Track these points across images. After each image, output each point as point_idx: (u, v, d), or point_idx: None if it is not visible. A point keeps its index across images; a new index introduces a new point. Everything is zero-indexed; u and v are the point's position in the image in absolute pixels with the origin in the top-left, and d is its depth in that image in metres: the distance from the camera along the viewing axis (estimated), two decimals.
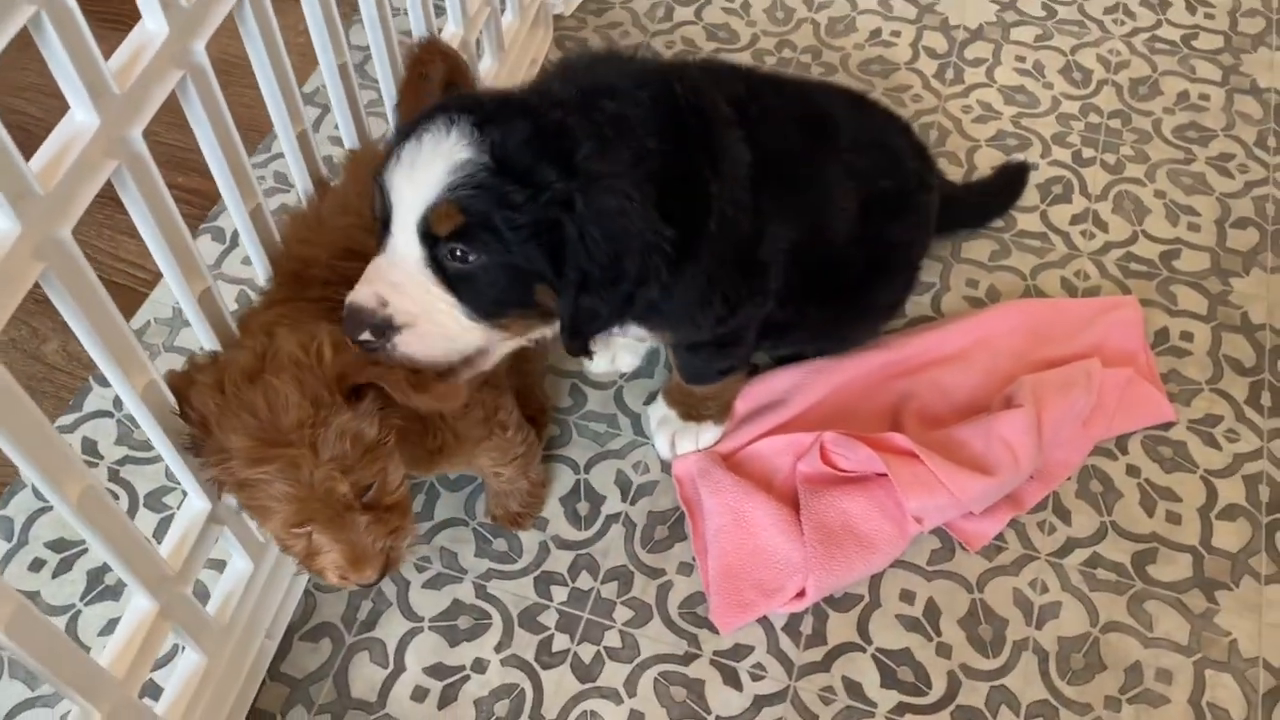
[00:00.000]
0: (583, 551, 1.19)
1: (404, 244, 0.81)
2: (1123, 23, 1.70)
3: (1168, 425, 1.28)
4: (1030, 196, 1.48)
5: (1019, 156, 1.52)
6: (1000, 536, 1.20)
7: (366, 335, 0.81)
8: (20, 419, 0.69)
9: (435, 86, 1.06)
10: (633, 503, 1.23)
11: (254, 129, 1.56)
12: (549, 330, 0.91)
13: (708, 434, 1.24)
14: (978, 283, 1.40)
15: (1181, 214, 1.47)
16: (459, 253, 0.81)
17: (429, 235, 0.81)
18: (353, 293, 0.82)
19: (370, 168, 1.00)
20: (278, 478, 0.81)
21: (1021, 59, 1.66)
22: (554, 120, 0.83)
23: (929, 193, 1.24)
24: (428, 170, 0.78)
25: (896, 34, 1.69)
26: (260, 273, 1.01)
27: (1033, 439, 1.18)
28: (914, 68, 1.64)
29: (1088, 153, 1.53)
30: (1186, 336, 1.35)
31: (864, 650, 1.13)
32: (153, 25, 0.75)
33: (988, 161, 1.53)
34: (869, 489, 1.18)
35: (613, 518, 1.22)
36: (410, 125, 0.82)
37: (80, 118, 0.70)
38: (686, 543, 1.20)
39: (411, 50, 1.09)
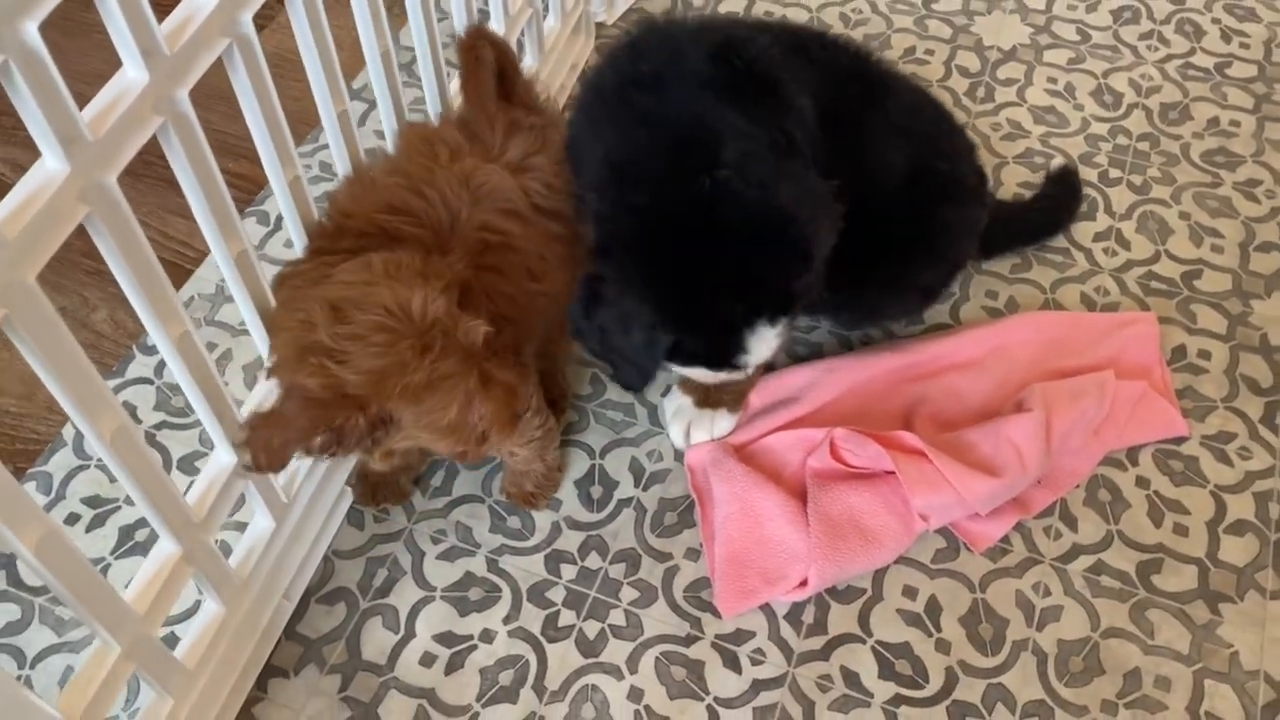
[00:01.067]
0: (593, 533, 1.23)
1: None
2: (1156, 49, 1.72)
3: (1180, 440, 1.29)
4: None
5: (1059, 161, 1.55)
6: (1005, 539, 1.21)
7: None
8: (59, 351, 0.73)
9: (490, 70, 1.13)
10: (645, 489, 1.26)
11: (302, 121, 1.62)
12: None
13: (722, 424, 1.27)
14: (997, 294, 1.42)
15: (1205, 235, 1.48)
16: None
17: None
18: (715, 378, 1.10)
19: (422, 138, 1.07)
20: (444, 358, 0.87)
21: (1053, 80, 1.68)
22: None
23: (983, 201, 1.29)
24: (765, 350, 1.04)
25: (930, 52, 1.72)
26: (299, 247, 1.06)
27: (1041, 444, 1.19)
28: (946, 85, 1.67)
29: (1114, 173, 1.55)
30: (1204, 354, 1.36)
31: (864, 642, 1.15)
32: None
33: (1013, 178, 1.55)
34: (876, 485, 1.20)
35: (624, 502, 1.25)
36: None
37: (131, 74, 0.75)
38: (695, 529, 1.23)
39: (460, 39, 1.15)
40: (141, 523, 1.24)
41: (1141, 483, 1.25)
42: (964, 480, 1.16)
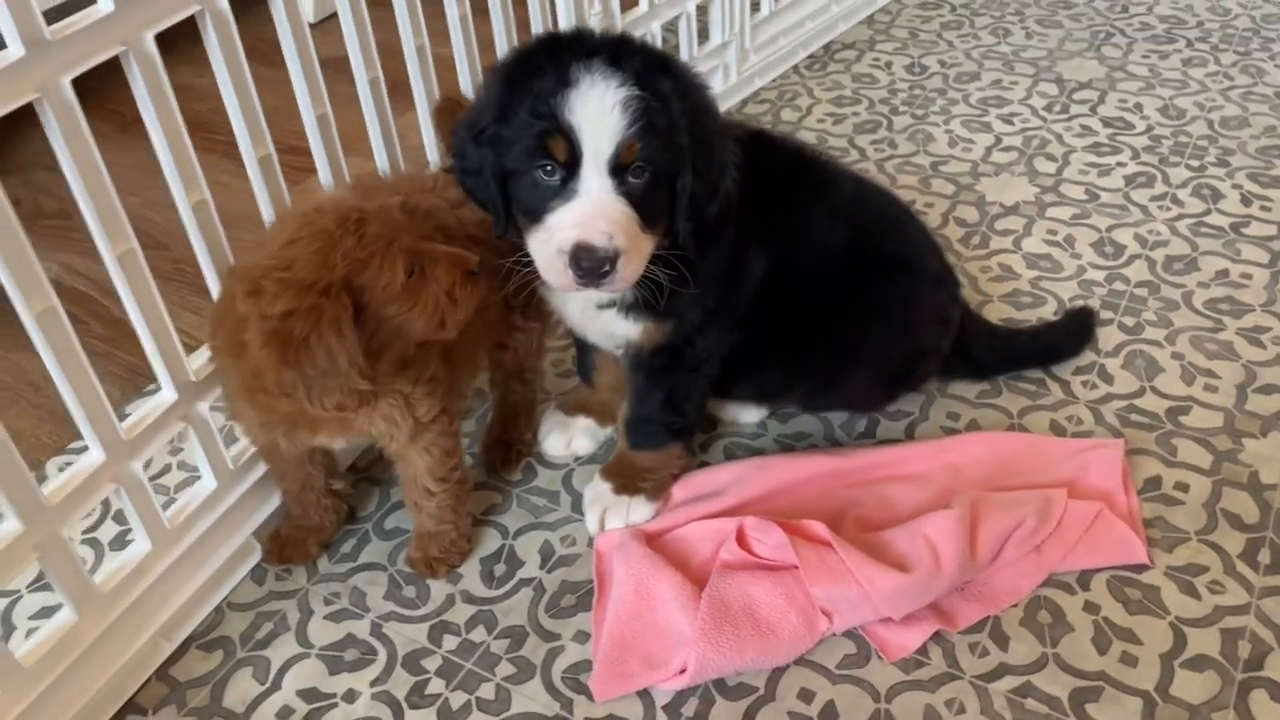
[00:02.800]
0: (486, 608, 1.17)
1: (599, 183, 0.94)
2: (1168, 209, 1.68)
3: (1141, 568, 1.16)
4: None
5: (1081, 303, 1.50)
6: (924, 651, 1.09)
7: (605, 267, 0.94)
8: None
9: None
10: (550, 570, 1.21)
11: None
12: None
13: (638, 511, 1.22)
14: (959, 416, 1.35)
15: (1199, 375, 1.38)
16: (634, 176, 0.96)
17: (617, 169, 0.95)
18: (578, 233, 0.94)
19: (369, 180, 1.20)
20: (364, 226, 0.95)
21: (1053, 233, 1.65)
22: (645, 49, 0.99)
23: (948, 289, 1.30)
24: (610, 115, 0.92)
25: (930, 205, 1.73)
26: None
27: (960, 543, 1.10)
28: (941, 233, 1.66)
29: (1106, 314, 1.48)
30: (1181, 487, 1.24)
31: None
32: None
33: (995, 314, 1.50)
34: (780, 577, 1.12)
35: (526, 581, 1.20)
36: (543, 73, 0.95)
37: None
38: (590, 613, 1.16)
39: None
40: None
41: (1090, 607, 1.12)
42: (867, 572, 1.07)
